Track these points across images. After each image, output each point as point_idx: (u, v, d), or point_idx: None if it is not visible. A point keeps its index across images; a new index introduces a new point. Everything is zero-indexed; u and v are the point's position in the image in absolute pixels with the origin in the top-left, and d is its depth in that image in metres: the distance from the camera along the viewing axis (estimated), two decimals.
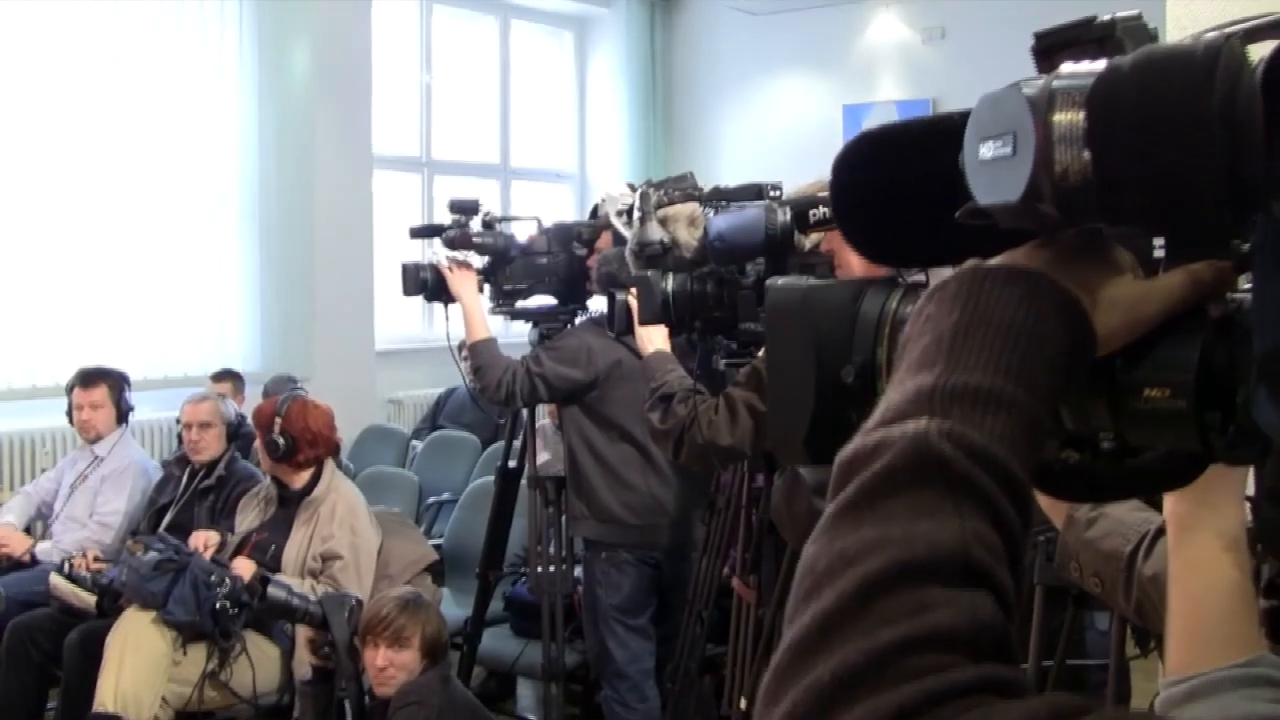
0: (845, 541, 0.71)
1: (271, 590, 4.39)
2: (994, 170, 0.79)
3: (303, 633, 4.52)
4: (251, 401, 6.26)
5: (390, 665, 3.97)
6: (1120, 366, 0.81)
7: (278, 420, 4.94)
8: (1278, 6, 0.77)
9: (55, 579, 5.05)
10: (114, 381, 5.90)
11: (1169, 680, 0.98)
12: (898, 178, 0.93)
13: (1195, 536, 1.06)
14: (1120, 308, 0.81)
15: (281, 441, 4.92)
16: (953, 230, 0.85)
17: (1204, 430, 0.78)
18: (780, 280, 1.03)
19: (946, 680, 0.64)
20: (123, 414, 5.92)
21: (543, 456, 5.22)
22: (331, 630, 4.19)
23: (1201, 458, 0.83)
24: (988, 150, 0.79)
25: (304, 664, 4.52)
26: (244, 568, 4.78)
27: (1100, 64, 0.74)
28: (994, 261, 0.82)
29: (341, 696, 4.25)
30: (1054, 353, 0.78)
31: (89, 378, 5.88)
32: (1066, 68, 0.76)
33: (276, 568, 4.85)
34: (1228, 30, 0.73)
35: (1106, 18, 0.81)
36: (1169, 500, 1.00)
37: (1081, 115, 0.73)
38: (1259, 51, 0.70)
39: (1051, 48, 0.82)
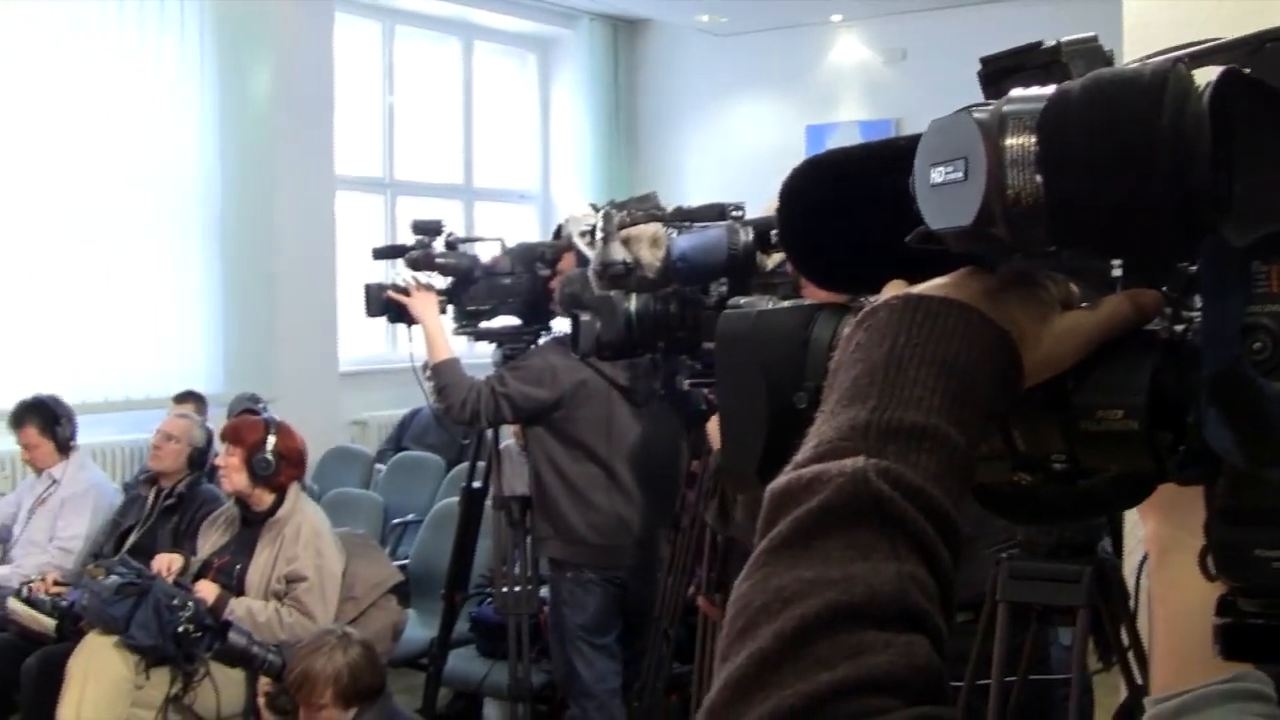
0: (781, 580, 0.71)
1: (232, 636, 4.34)
2: (945, 195, 0.79)
3: (262, 686, 4.47)
4: (213, 423, 6.23)
5: None
6: (1072, 388, 0.82)
7: (271, 439, 4.93)
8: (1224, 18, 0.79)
9: (13, 603, 5.02)
10: (41, 417, 5.84)
11: (1155, 698, 0.99)
12: (844, 203, 0.93)
13: (1176, 558, 1.07)
14: (1045, 342, 0.81)
15: (271, 460, 4.90)
16: (901, 255, 0.85)
17: (1156, 450, 0.78)
18: (729, 308, 1.03)
19: None
20: (62, 444, 5.87)
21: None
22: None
23: (1152, 478, 0.84)
24: (938, 175, 0.79)
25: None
26: (207, 591, 4.76)
27: (1050, 89, 0.75)
28: (924, 290, 0.82)
29: None
30: (984, 389, 0.78)
31: (14, 419, 5.86)
32: (1017, 92, 0.77)
33: (240, 590, 4.83)
34: (1175, 55, 0.74)
35: (1052, 42, 0.82)
36: (1149, 524, 1.01)
37: (1033, 139, 0.73)
38: (1206, 76, 0.72)
39: (998, 73, 0.83)
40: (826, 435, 0.77)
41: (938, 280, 0.83)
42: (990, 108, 0.77)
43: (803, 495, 0.73)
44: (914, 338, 0.78)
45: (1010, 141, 0.74)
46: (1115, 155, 0.71)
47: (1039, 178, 0.74)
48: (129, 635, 4.56)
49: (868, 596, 0.68)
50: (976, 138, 0.76)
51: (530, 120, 11.02)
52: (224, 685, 4.67)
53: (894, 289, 0.85)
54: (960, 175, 0.77)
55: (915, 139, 0.84)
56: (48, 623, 4.94)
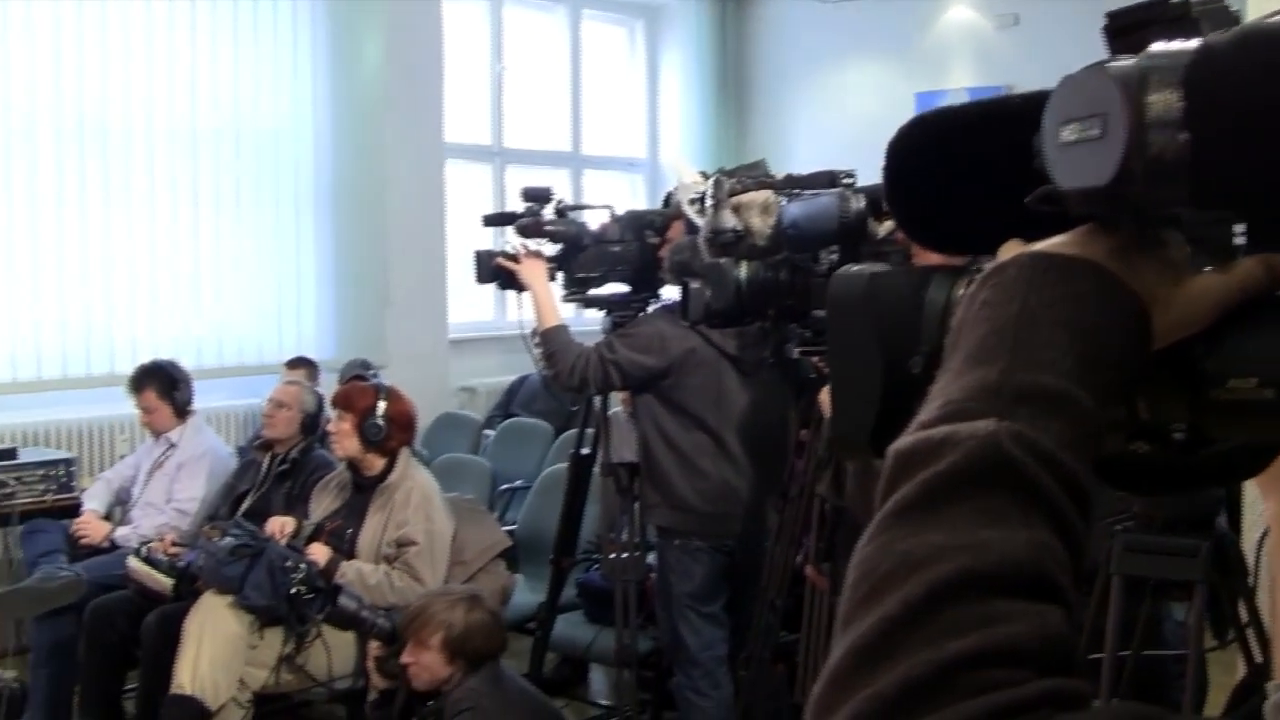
0: (908, 544, 0.69)
1: (343, 601, 4.41)
2: (1078, 153, 0.76)
3: (372, 649, 4.55)
4: (325, 389, 6.31)
5: (415, 663, 4.02)
6: (1202, 355, 0.79)
7: (381, 404, 4.99)
8: None
9: (132, 562, 5.13)
10: (160, 382, 5.94)
11: (1279, 683, 0.95)
12: (954, 162, 0.91)
13: None
14: (1177, 305, 0.79)
15: (382, 425, 4.96)
16: (1013, 216, 0.83)
17: None
18: (843, 269, 1.01)
19: (1015, 695, 0.63)
20: (179, 408, 5.98)
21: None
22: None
23: (1275, 450, 0.82)
24: (1070, 133, 0.77)
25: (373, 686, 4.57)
26: (319, 553, 4.83)
27: (1194, 43, 0.73)
28: (1053, 248, 0.80)
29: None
30: (1115, 354, 0.76)
31: (134, 383, 5.95)
32: (1157, 47, 0.74)
33: (351, 553, 4.90)
34: None
35: None
36: (1271, 501, 0.98)
37: (1178, 95, 0.71)
38: None
39: (1125, 28, 0.80)
40: (954, 395, 0.75)
41: (1062, 238, 0.81)
42: (1128, 63, 0.74)
43: (931, 458, 0.71)
44: (1045, 298, 0.76)
45: (1153, 98, 0.72)
46: (1267, 114, 0.69)
47: (1184, 136, 0.71)
48: (243, 596, 4.64)
49: (1000, 564, 0.67)
50: (1115, 94, 0.73)
51: (638, 88, 11.00)
52: (335, 646, 4.75)
53: (1011, 249, 0.83)
54: (1096, 133, 0.75)
55: (1029, 96, 0.83)
56: (165, 582, 5.04)
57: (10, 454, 6.08)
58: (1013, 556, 0.67)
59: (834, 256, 3.11)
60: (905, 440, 0.74)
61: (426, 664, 4.02)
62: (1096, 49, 0.81)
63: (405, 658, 4.05)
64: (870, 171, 3.33)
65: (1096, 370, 0.75)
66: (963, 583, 0.66)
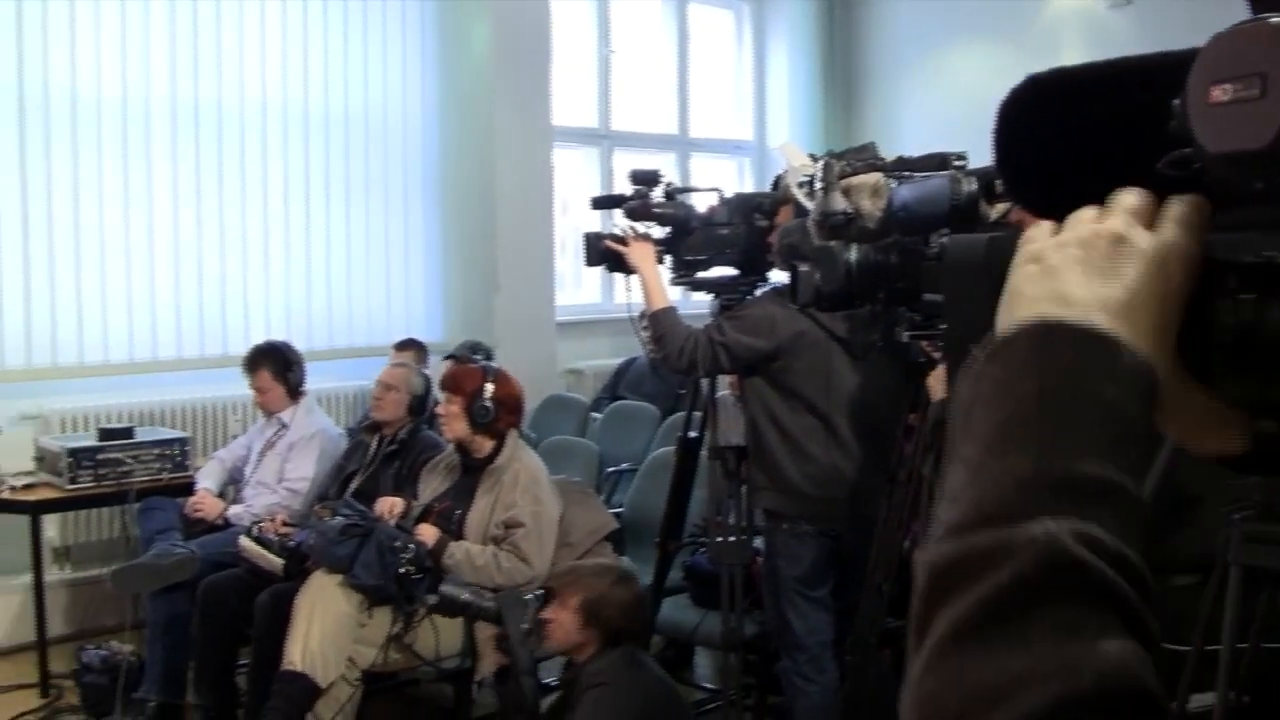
0: (982, 674, 0.62)
1: (446, 589, 4.45)
2: (1231, 115, 0.73)
3: (485, 630, 4.59)
4: (433, 371, 6.37)
5: (553, 620, 4.04)
6: None
7: (489, 387, 5.02)
8: None
9: (244, 541, 5.22)
10: (274, 362, 6.05)
11: None
12: (1068, 125, 0.87)
13: None
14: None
15: (490, 407, 5.00)
16: (1129, 181, 0.80)
17: None
18: (959, 235, 0.98)
19: None
20: (292, 389, 6.07)
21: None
22: (507, 627, 4.23)
23: None
24: (1223, 92, 0.73)
25: (488, 662, 4.61)
26: (428, 534, 4.87)
27: None
28: (1057, 315, 0.74)
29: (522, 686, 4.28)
30: (1141, 427, 0.71)
31: (249, 363, 6.07)
32: None
33: (459, 534, 4.93)
34: None
35: None
36: None
37: None
38: None
39: None
40: (987, 492, 0.68)
41: (1068, 287, 0.76)
42: None
43: (984, 569, 0.65)
44: (1062, 372, 0.71)
45: None
46: None
47: None
48: (353, 575, 4.70)
49: (1096, 686, 0.60)
50: (1277, 51, 0.70)
51: (745, 70, 10.95)
52: (443, 626, 4.79)
53: (1085, 215, 0.80)
54: (1255, 92, 0.71)
55: (1152, 57, 0.80)
56: (276, 561, 5.12)
57: (127, 433, 6.21)
58: (1107, 673, 0.61)
59: (944, 240, 3.08)
60: (941, 551, 0.68)
61: (562, 623, 4.03)
62: (1212, 26, 0.77)
63: (546, 613, 4.08)
64: (981, 154, 3.29)
65: (1128, 450, 0.69)
66: (1059, 713, 0.60)
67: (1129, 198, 0.80)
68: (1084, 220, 0.81)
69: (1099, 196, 0.83)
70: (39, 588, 6.07)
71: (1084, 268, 0.77)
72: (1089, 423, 0.69)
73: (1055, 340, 0.73)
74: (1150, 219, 0.79)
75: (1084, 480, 0.67)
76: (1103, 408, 0.69)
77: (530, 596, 4.29)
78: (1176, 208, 0.79)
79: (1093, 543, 0.64)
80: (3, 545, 6.43)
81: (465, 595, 4.42)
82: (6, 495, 5.98)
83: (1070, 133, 0.87)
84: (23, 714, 5.60)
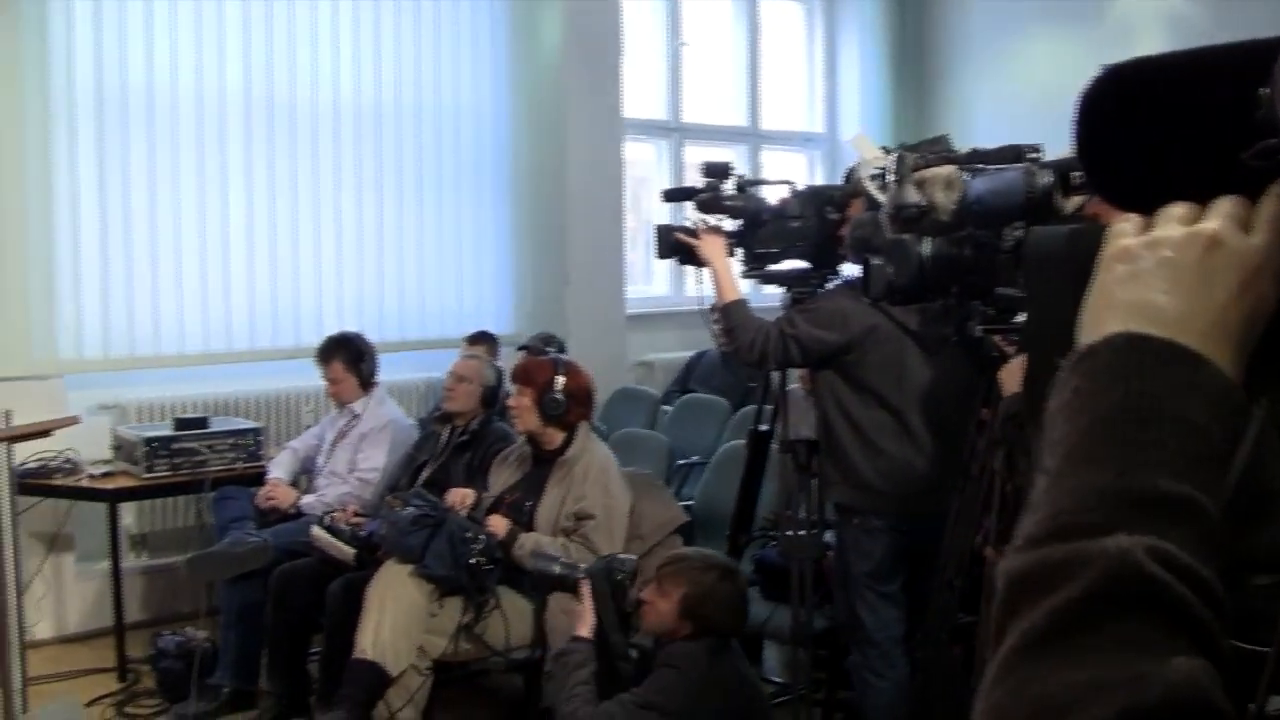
0: (1046, 685, 0.62)
1: (537, 564, 4.47)
2: None
3: (555, 619, 4.61)
4: (505, 363, 6.39)
5: (651, 605, 4.04)
6: None
7: (560, 379, 5.04)
8: None
9: (316, 531, 5.26)
10: (347, 353, 6.09)
11: None
12: (1150, 115, 0.86)
13: None
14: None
15: (561, 399, 5.01)
16: (1212, 172, 0.79)
17: None
18: (1040, 227, 0.96)
19: None
20: (364, 380, 6.11)
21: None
22: (595, 590, 4.26)
23: None
24: None
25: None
26: (499, 525, 4.89)
27: None
28: (1143, 329, 0.73)
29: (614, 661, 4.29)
30: (1222, 448, 0.70)
31: (322, 354, 6.12)
32: None
33: (530, 526, 4.95)
34: None
35: None
36: None
37: None
38: None
39: None
40: (1064, 504, 0.68)
41: (1158, 297, 0.75)
42: None
43: (1056, 581, 0.65)
44: (1147, 387, 0.70)
45: None
46: None
47: None
48: (424, 565, 4.72)
49: (1163, 700, 0.59)
50: None
51: (816, 63, 10.91)
52: (513, 616, 4.81)
53: (1176, 212, 0.79)
54: None
55: (1238, 46, 0.78)
56: (348, 551, 5.16)
57: (202, 423, 6.29)
58: (1176, 688, 0.60)
59: (1019, 233, 3.05)
60: (1019, 561, 0.68)
61: (661, 611, 4.03)
62: None
63: (645, 595, 4.09)
64: (1056, 146, 3.28)
65: (1207, 467, 0.69)
66: None
67: (1228, 203, 0.79)
68: (1176, 218, 0.79)
69: (1183, 188, 0.81)
70: (116, 574, 6.18)
71: (1175, 273, 0.76)
72: (1170, 440, 0.68)
73: (1142, 354, 0.72)
74: (1246, 223, 0.78)
75: (1161, 497, 0.66)
76: (1185, 426, 0.69)
77: (622, 575, 4.31)
78: (1272, 206, 0.77)
79: (1167, 559, 0.64)
80: (81, 533, 6.55)
81: (557, 568, 4.44)
82: (85, 483, 6.08)
83: (1153, 124, 0.86)
84: (101, 697, 5.71)
